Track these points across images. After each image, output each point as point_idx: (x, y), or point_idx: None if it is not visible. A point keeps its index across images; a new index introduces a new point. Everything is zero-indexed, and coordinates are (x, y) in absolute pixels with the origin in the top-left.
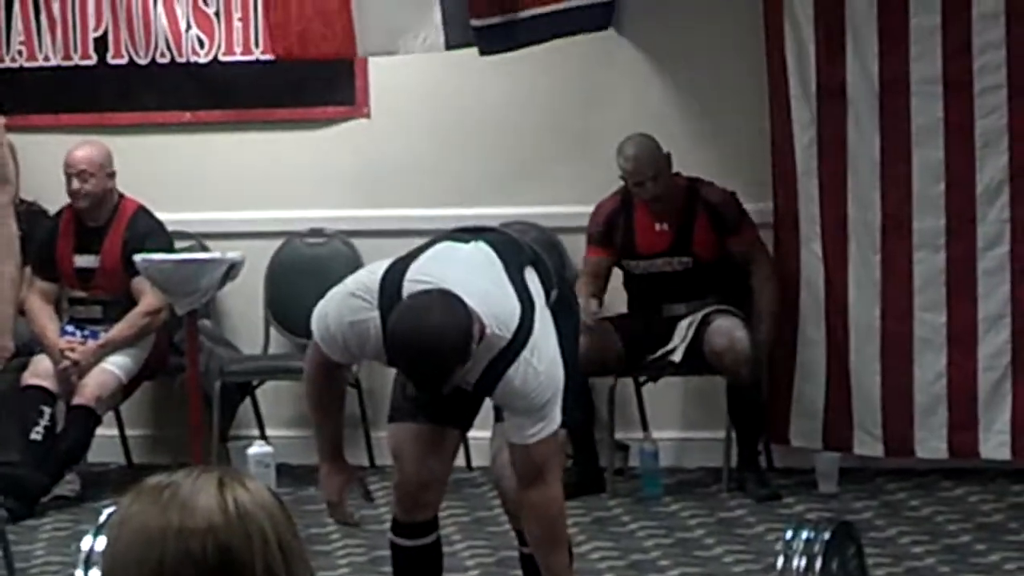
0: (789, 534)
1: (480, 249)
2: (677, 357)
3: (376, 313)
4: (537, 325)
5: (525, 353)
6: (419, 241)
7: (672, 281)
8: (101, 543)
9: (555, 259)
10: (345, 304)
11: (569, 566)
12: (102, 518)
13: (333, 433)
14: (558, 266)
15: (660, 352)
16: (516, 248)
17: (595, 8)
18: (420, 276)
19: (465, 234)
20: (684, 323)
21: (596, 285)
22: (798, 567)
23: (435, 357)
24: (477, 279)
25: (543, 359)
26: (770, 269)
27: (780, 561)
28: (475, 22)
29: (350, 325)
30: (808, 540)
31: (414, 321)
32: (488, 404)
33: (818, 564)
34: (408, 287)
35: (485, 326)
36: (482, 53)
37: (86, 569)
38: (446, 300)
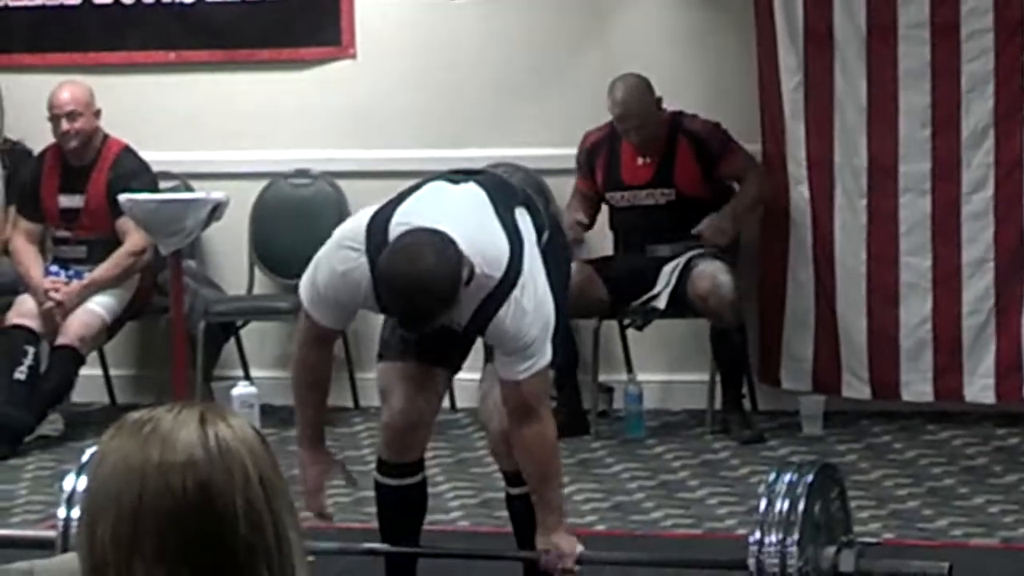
0: (772, 477)
1: (469, 189)
2: (661, 304)
3: (365, 259)
4: (526, 264)
5: (515, 292)
6: (405, 183)
7: (656, 217)
8: (83, 482)
9: (542, 200)
10: (334, 256)
11: (562, 498)
12: (84, 458)
13: (315, 418)
14: (547, 207)
15: (644, 298)
16: (507, 189)
17: None
18: (407, 218)
19: (456, 175)
20: (668, 268)
21: (584, 206)
22: (780, 510)
23: (423, 297)
24: (466, 218)
25: (533, 298)
26: (763, 176)
27: (763, 504)
28: None
29: (341, 276)
30: (791, 483)
31: (403, 261)
32: (478, 345)
33: (801, 506)
34: (395, 229)
35: (474, 267)
36: None
37: (68, 508)
38: (436, 240)
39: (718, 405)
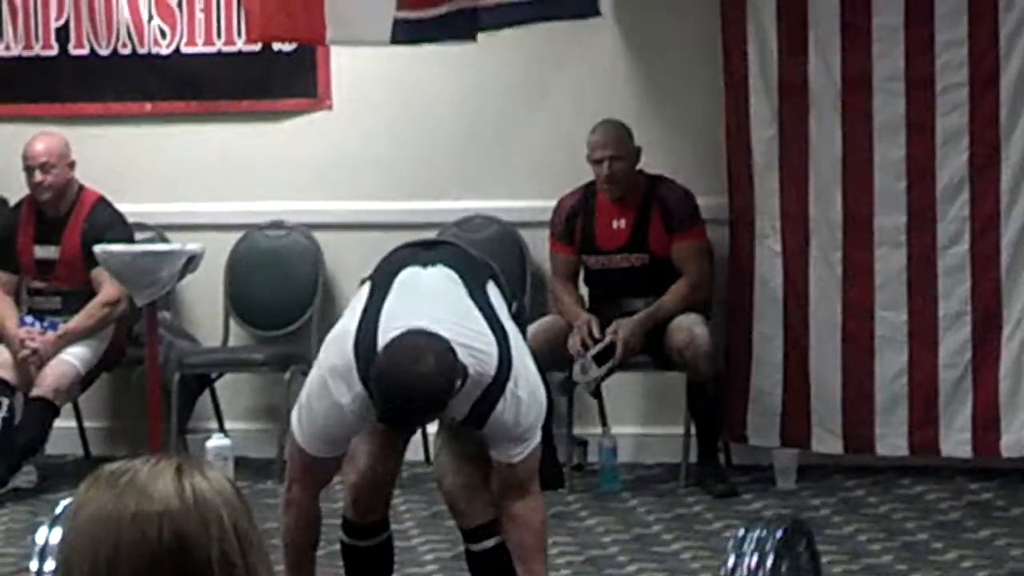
0: (741, 532)
1: (442, 274)
2: (592, 374)
3: (361, 387)
4: (514, 353)
5: (510, 385)
6: (380, 235)
7: (631, 277)
8: (56, 535)
9: (515, 255)
10: (331, 388)
11: (546, 572)
12: (58, 510)
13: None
14: (516, 271)
15: (603, 344)
16: (475, 265)
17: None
18: (395, 323)
19: (421, 251)
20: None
21: (572, 289)
22: (749, 565)
23: (419, 400)
24: (449, 316)
25: (526, 386)
26: (695, 284)
27: (731, 560)
28: (418, 13)
29: (342, 408)
30: (760, 539)
31: (404, 362)
32: None
33: (769, 562)
34: (385, 337)
35: (467, 368)
36: (393, 42)
37: (41, 561)
38: (434, 343)
39: (693, 458)
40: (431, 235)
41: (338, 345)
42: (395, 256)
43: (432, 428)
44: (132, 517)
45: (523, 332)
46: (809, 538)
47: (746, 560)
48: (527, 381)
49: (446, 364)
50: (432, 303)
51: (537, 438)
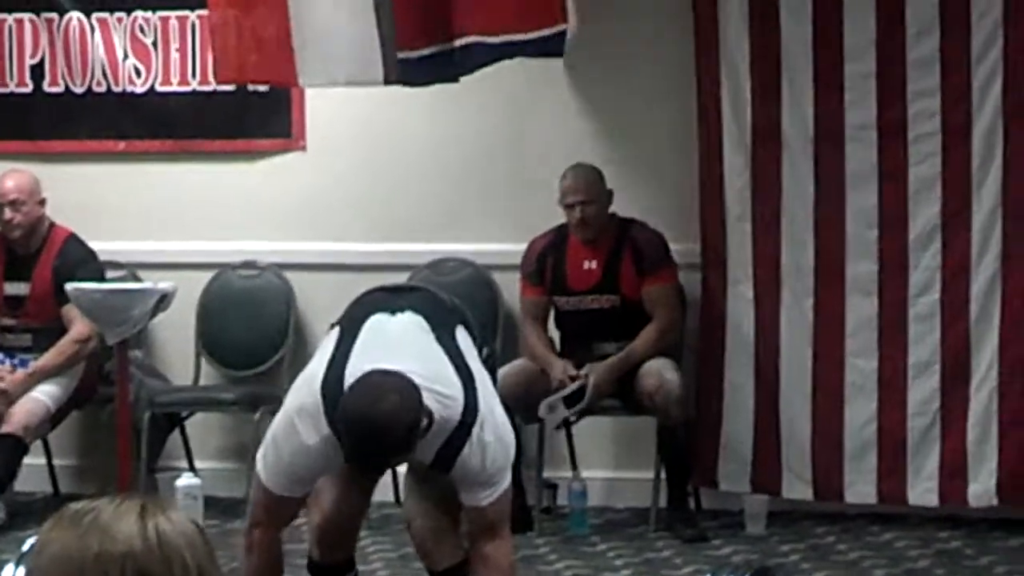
0: None
1: (410, 320)
2: (559, 416)
3: (328, 429)
4: (481, 399)
5: (475, 430)
6: (352, 276)
7: (601, 319)
8: (22, 573)
9: (488, 298)
10: (299, 428)
11: None
12: (24, 548)
13: None
14: (488, 314)
15: (574, 386)
16: (444, 310)
17: (548, 40)
18: (361, 366)
19: (391, 297)
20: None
21: (542, 333)
22: None
23: (384, 438)
24: (415, 361)
25: (493, 430)
26: (665, 328)
27: None
28: (402, 55)
29: (308, 448)
30: None
31: (367, 400)
32: None
33: None
34: (350, 381)
35: (432, 413)
36: (410, 85)
37: None
38: (399, 382)
39: (662, 503)
40: (403, 277)
41: (307, 387)
42: (364, 300)
43: (402, 469)
44: (95, 557)
45: (493, 376)
46: None
47: None
48: (494, 426)
49: (411, 402)
50: (399, 349)
51: (506, 482)
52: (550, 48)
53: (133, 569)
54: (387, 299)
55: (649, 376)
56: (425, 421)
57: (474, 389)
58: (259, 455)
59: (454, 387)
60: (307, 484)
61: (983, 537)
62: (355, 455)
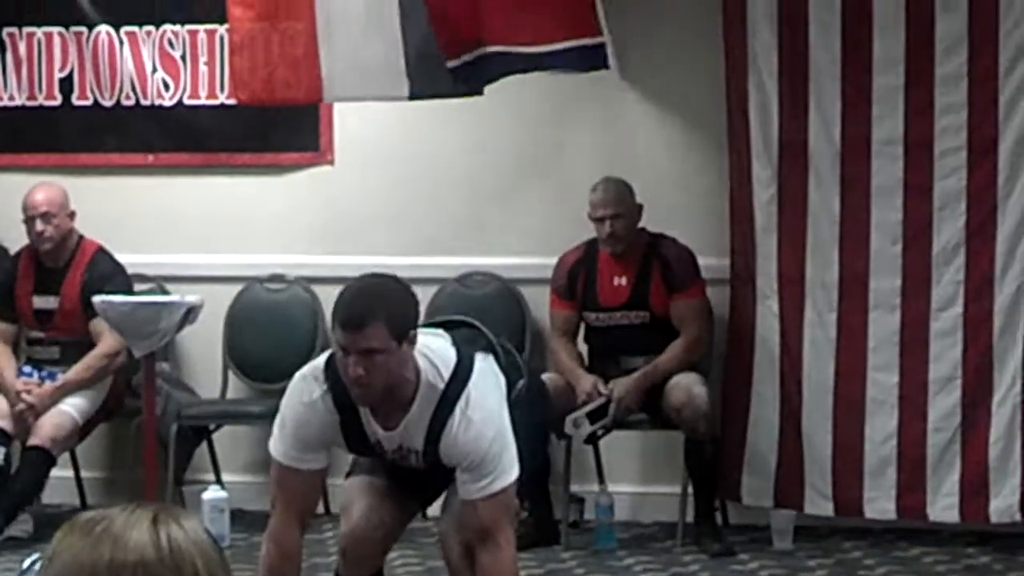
0: None
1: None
2: (585, 430)
3: (326, 387)
4: (473, 378)
5: (460, 403)
6: None
7: (631, 335)
8: None
9: (516, 312)
10: (296, 391)
11: None
12: (25, 564)
13: None
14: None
15: (599, 402)
16: (471, 336)
17: (588, 52)
18: None
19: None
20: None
21: (571, 347)
22: None
23: (375, 291)
24: (421, 335)
25: (479, 409)
26: (692, 343)
27: None
28: (451, 63)
29: (305, 407)
30: None
31: (367, 276)
32: None
33: None
34: None
35: (420, 372)
36: (462, 95)
37: None
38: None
39: (690, 517)
40: (431, 291)
41: (313, 362)
42: None
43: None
44: (107, 566)
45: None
46: None
47: None
48: (483, 406)
49: (407, 290)
50: None
51: (503, 481)
52: (595, 61)
53: None
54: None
55: (677, 390)
56: (413, 373)
57: (469, 369)
58: (272, 438)
59: (448, 360)
60: (307, 452)
61: (1011, 552)
62: (338, 306)
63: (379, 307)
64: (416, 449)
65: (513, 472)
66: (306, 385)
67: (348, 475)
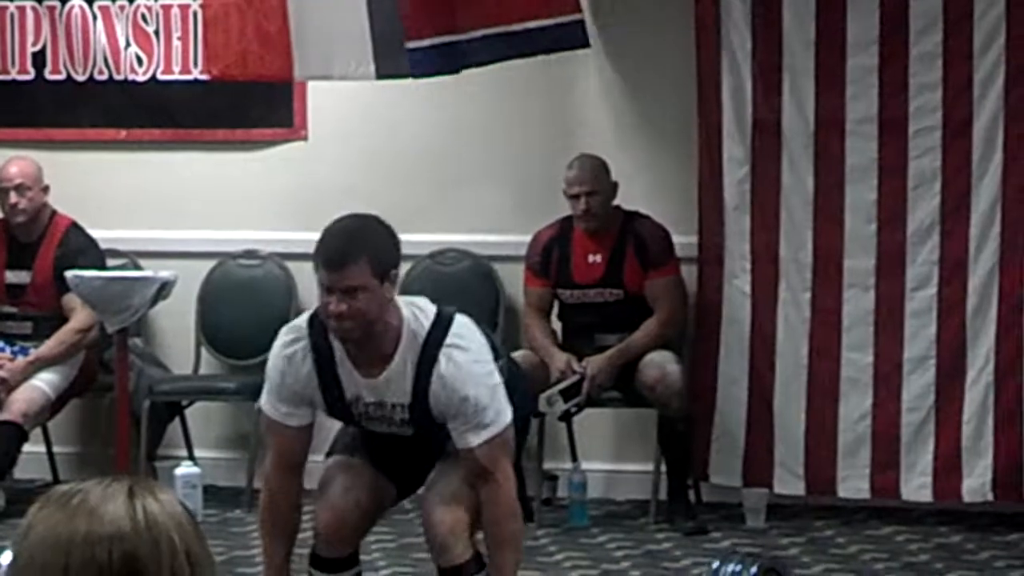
0: (716, 564)
1: None
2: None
3: (307, 341)
4: (454, 327)
5: (443, 349)
6: None
7: (605, 312)
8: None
9: (489, 289)
10: (279, 345)
11: (515, 569)
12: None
13: (282, 563)
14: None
15: (572, 380)
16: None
17: (567, 29)
18: None
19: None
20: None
21: (545, 324)
22: None
23: (356, 228)
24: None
25: (463, 352)
26: (666, 321)
27: None
28: (410, 44)
29: (286, 359)
30: (735, 573)
31: (348, 216)
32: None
33: None
34: None
35: (404, 320)
36: (415, 76)
37: None
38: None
39: (662, 495)
40: (404, 267)
41: (298, 318)
42: None
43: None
44: (83, 539)
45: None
46: None
47: None
48: (468, 350)
49: (388, 228)
50: None
51: (498, 427)
52: (573, 40)
53: (120, 550)
54: None
55: (651, 368)
56: (396, 318)
57: (449, 318)
58: (261, 399)
59: (429, 311)
60: (290, 406)
61: (983, 531)
62: (320, 246)
63: (361, 245)
64: (403, 403)
65: (506, 414)
66: (288, 338)
67: (327, 455)
